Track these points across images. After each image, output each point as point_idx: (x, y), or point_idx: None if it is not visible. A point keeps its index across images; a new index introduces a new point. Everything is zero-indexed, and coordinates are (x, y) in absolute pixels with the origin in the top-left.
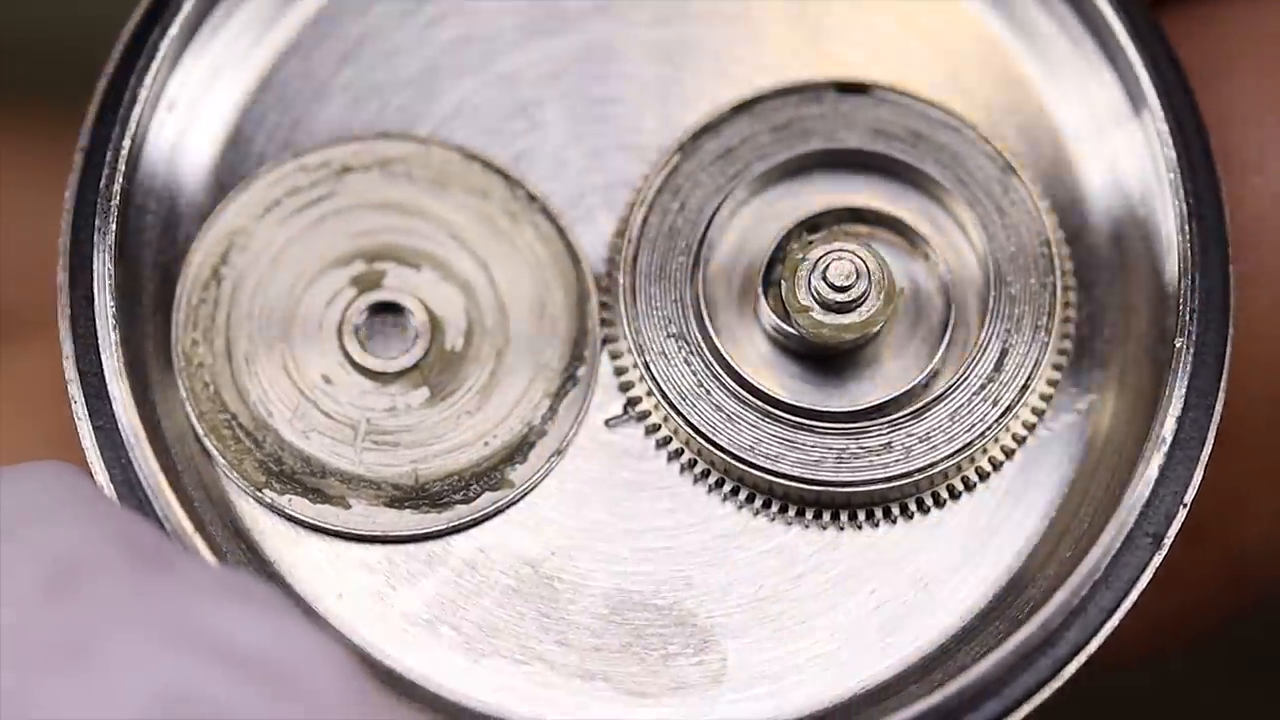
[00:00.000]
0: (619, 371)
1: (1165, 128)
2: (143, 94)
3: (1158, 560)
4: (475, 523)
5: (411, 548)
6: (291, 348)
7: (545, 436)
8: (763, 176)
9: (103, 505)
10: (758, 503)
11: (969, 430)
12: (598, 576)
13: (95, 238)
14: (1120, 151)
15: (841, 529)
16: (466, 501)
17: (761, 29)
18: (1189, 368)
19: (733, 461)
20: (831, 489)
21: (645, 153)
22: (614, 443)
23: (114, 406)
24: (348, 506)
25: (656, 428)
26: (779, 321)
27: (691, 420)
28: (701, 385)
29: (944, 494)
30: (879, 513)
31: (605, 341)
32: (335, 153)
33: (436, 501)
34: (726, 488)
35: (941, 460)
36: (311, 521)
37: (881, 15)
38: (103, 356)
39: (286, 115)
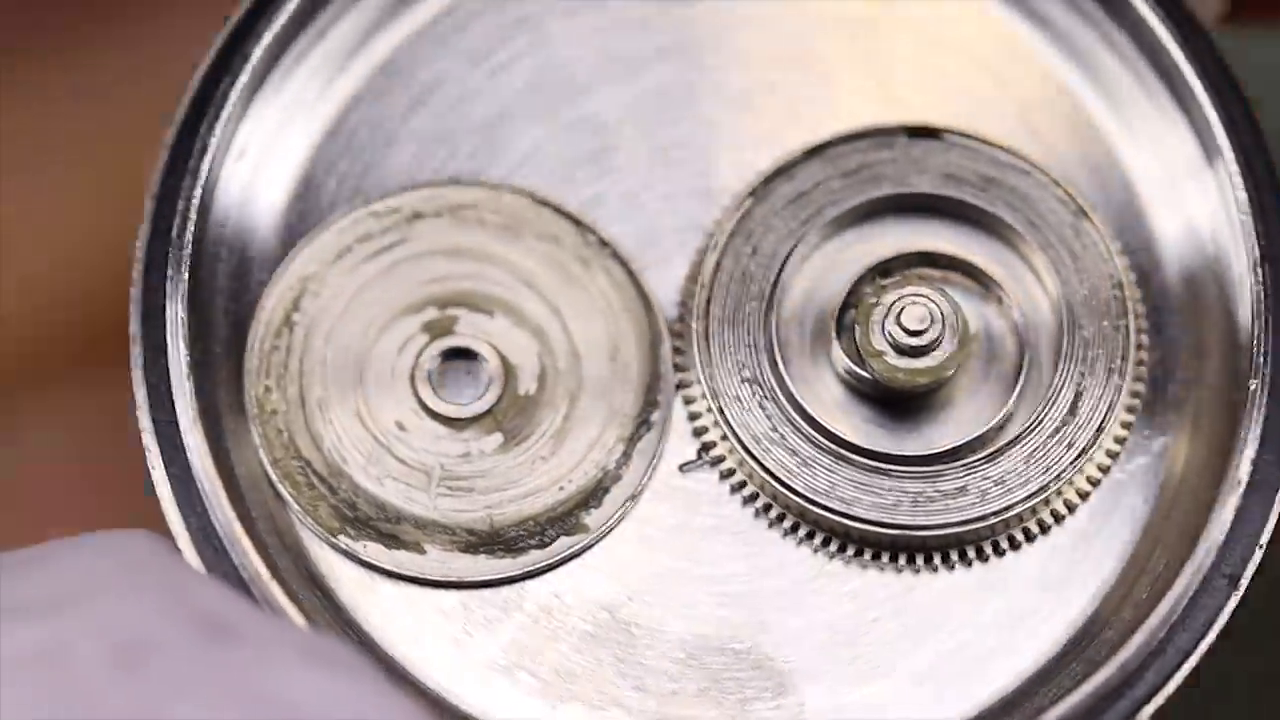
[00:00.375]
0: (693, 416)
1: (1236, 170)
2: (213, 142)
3: (1234, 601)
4: (550, 568)
5: (487, 593)
6: (365, 394)
7: (620, 481)
8: (835, 221)
9: (181, 573)
10: (833, 546)
11: (1044, 473)
12: (674, 621)
13: (167, 287)
14: (1192, 196)
15: (918, 572)
16: (541, 546)
17: (832, 73)
18: (1264, 409)
19: (808, 506)
20: (908, 533)
21: (717, 197)
22: (688, 487)
23: (189, 455)
24: (423, 552)
25: (731, 472)
26: (852, 365)
27: (766, 465)
28: (776, 430)
29: (1019, 536)
30: (955, 556)
31: (679, 386)
32: (406, 199)
33: (511, 547)
34: (802, 532)
35: (1017, 503)
36: (386, 567)
37: (952, 59)
38: (177, 406)
39: (356, 162)
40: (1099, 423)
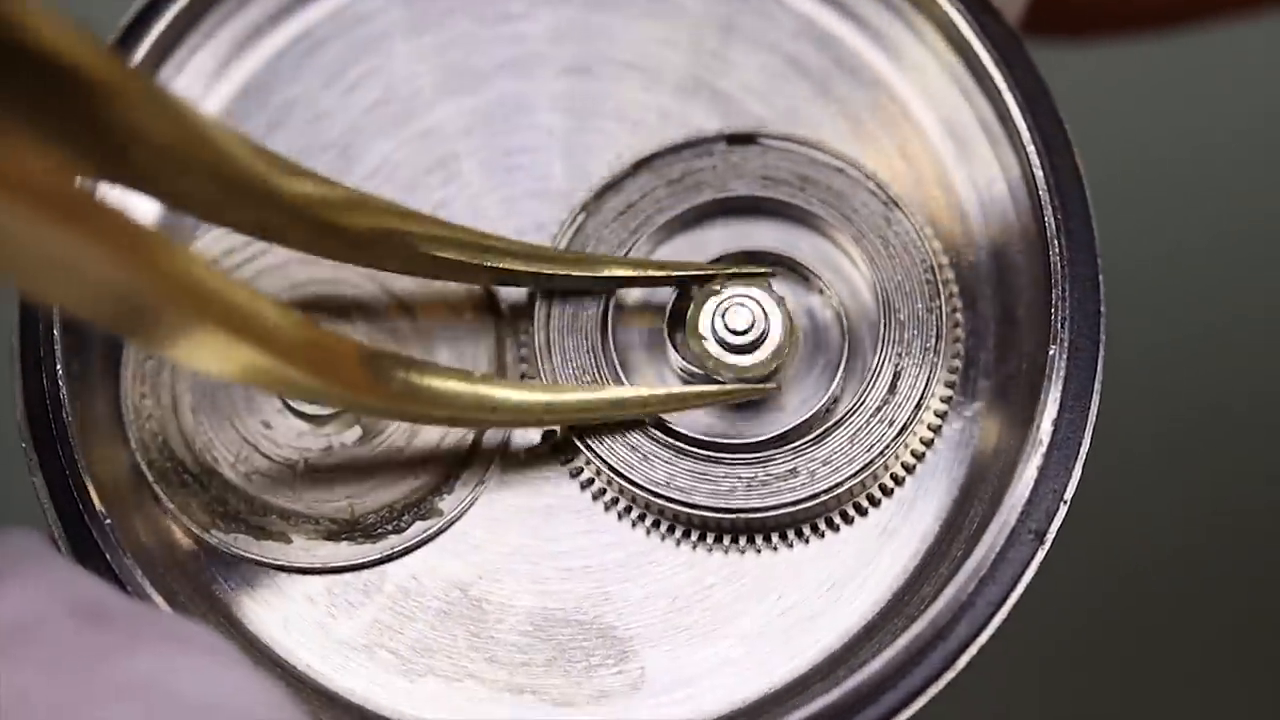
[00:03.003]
0: None
1: (1033, 148)
2: None
3: (1041, 555)
4: (407, 551)
5: (349, 577)
6: (232, 397)
7: (470, 468)
8: (663, 228)
9: (60, 566)
10: (678, 533)
11: (868, 451)
12: (522, 596)
13: (45, 307)
14: (994, 173)
15: (757, 548)
16: (398, 531)
17: (662, 79)
18: (1064, 372)
19: (650, 497)
20: (743, 515)
21: (555, 199)
22: (532, 472)
23: (65, 460)
24: (289, 541)
25: (579, 471)
26: (686, 363)
27: (610, 461)
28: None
29: (851, 511)
30: (791, 533)
31: (524, 377)
32: None
33: (370, 533)
34: (641, 516)
35: (845, 480)
36: (255, 557)
37: (773, 59)
38: (54, 415)
39: None
40: (917, 399)
